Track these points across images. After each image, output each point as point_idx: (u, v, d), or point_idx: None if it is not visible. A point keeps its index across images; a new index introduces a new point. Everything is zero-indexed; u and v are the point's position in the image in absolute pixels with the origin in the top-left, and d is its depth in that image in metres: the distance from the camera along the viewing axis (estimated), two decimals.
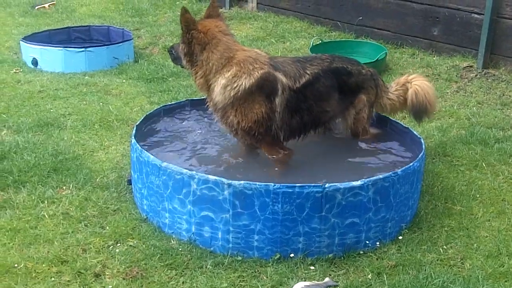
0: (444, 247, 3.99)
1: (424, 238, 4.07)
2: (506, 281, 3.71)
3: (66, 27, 8.29)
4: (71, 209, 4.30)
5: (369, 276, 3.64)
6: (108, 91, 6.58)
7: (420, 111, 4.82)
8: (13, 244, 3.90)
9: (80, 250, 3.87)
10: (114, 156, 5.12)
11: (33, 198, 4.41)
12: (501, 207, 4.50)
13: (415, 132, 4.64)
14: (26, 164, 4.81)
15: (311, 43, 7.51)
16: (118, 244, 3.93)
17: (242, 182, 3.69)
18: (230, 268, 3.73)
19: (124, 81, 6.91)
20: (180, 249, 3.87)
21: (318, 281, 3.58)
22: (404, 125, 4.79)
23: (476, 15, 7.14)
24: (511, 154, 5.22)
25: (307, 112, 4.41)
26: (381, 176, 3.83)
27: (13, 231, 4.03)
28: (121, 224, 4.12)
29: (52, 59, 7.15)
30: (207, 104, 4.44)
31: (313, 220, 3.74)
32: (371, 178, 3.80)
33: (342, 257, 3.84)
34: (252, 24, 8.93)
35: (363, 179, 3.77)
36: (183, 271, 3.69)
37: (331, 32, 8.42)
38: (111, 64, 7.30)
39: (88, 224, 4.15)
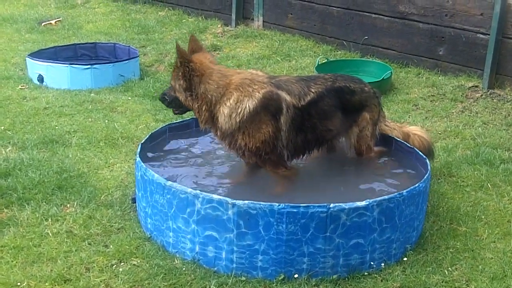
0: (449, 269, 3.96)
1: (429, 260, 4.04)
2: None
3: (72, 44, 8.33)
4: (75, 227, 4.29)
5: None
6: (114, 108, 6.60)
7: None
8: (16, 262, 3.90)
9: (83, 269, 3.85)
10: (119, 174, 5.12)
11: (37, 215, 4.41)
12: (507, 228, 4.47)
13: (420, 153, 4.63)
14: (31, 182, 4.81)
15: (317, 61, 7.52)
16: (122, 263, 3.92)
17: (246, 202, 3.68)
18: None
19: (129, 98, 6.93)
20: (184, 268, 3.85)
21: None
22: (409, 145, 4.77)
23: (481, 35, 7.15)
24: None
25: (311, 131, 4.41)
26: (386, 197, 3.82)
27: (16, 249, 4.03)
28: (125, 243, 4.11)
29: (58, 76, 7.17)
30: (213, 135, 4.44)
31: (317, 240, 3.72)
32: (376, 198, 3.79)
33: (346, 278, 3.82)
34: (258, 42, 8.96)
35: (368, 200, 3.76)
36: None
37: (337, 51, 8.44)
38: (117, 81, 7.32)
39: (92, 243, 4.14)
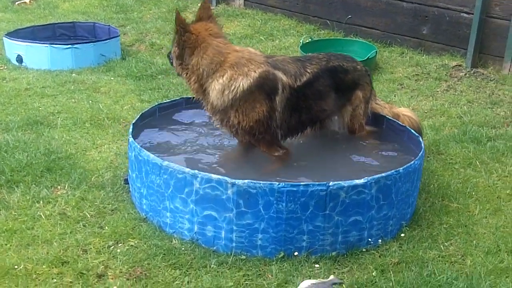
0: (445, 244, 4.00)
1: (425, 236, 4.07)
2: (507, 277, 3.73)
3: (50, 24, 8.17)
4: (67, 209, 4.22)
5: (373, 273, 3.64)
6: (97, 89, 6.49)
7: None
8: (11, 245, 3.82)
9: (80, 250, 3.80)
10: (108, 155, 5.05)
11: (28, 198, 4.33)
12: (497, 204, 4.52)
13: (412, 131, 4.64)
14: (19, 164, 4.71)
15: (301, 41, 7.49)
16: (119, 244, 3.87)
17: (246, 181, 3.66)
18: (234, 267, 3.70)
19: (112, 78, 6.83)
20: (182, 248, 3.82)
21: (323, 279, 3.56)
22: (401, 124, 4.79)
23: (465, 15, 7.19)
24: (504, 152, 5.24)
25: (306, 111, 4.39)
26: (383, 174, 3.82)
27: (9, 232, 3.95)
28: (120, 224, 4.06)
29: (38, 56, 7.03)
30: (203, 107, 4.38)
31: (317, 218, 3.72)
32: (374, 176, 3.79)
33: (345, 255, 3.83)
34: (239, 21, 8.89)
35: (366, 177, 3.76)
36: (187, 271, 3.64)
37: (320, 31, 8.42)
38: (98, 61, 7.21)
39: (86, 225, 4.08)
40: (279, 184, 3.65)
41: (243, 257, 3.76)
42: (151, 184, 4.00)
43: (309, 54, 4.79)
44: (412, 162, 4.03)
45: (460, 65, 7.16)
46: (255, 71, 4.12)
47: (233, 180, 3.66)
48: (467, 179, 4.84)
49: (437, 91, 6.65)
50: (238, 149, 4.61)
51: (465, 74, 6.96)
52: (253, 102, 4.14)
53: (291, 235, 3.74)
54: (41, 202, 4.29)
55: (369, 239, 3.90)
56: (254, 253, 3.79)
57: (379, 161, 4.57)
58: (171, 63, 4.45)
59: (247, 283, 3.56)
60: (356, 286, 3.52)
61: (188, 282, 3.55)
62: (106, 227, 4.04)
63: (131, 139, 4.22)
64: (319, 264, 3.72)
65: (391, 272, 3.65)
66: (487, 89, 6.63)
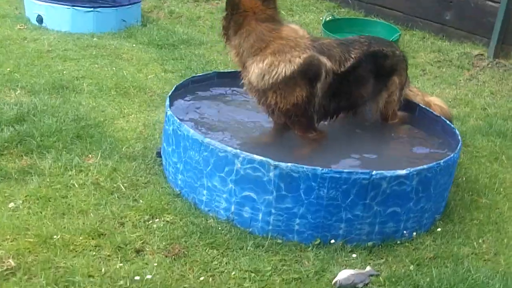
0: (478, 241, 3.99)
1: (457, 231, 4.07)
2: None
3: None
4: (100, 179, 4.19)
5: (410, 267, 3.64)
6: (119, 56, 6.42)
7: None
8: (46, 214, 3.79)
9: (116, 223, 3.78)
10: (136, 125, 5.00)
11: (60, 165, 4.29)
12: None
13: (447, 122, 4.63)
14: (48, 129, 4.65)
15: (323, 18, 7.42)
16: (156, 219, 3.85)
17: (289, 164, 3.64)
18: (270, 250, 3.69)
19: (134, 45, 6.74)
20: (219, 228, 3.81)
21: (360, 269, 3.57)
22: (435, 113, 4.76)
23: (491, 2, 7.16)
24: None
25: (346, 97, 4.36)
26: (425, 166, 3.81)
27: (43, 199, 3.91)
28: (155, 198, 4.03)
29: (59, 17, 6.93)
30: (241, 79, 4.32)
31: (356, 207, 3.71)
32: (416, 168, 3.78)
33: (380, 246, 3.83)
34: None
35: (409, 168, 3.75)
36: (225, 251, 3.63)
37: (340, 9, 8.37)
38: (119, 26, 7.10)
39: (121, 197, 4.05)
40: (322, 169, 3.63)
41: (279, 241, 3.76)
42: (189, 160, 3.97)
43: (350, 37, 4.72)
44: (452, 155, 4.02)
45: (482, 54, 7.14)
46: (299, 57, 4.05)
47: (276, 163, 3.64)
48: (494, 174, 4.84)
49: (460, 80, 6.63)
50: (273, 129, 4.56)
51: (487, 64, 6.94)
52: (293, 86, 4.09)
53: (329, 222, 3.74)
54: (74, 170, 4.25)
55: (404, 232, 3.90)
56: (290, 237, 3.78)
57: (410, 152, 4.55)
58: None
59: (284, 268, 3.56)
60: (393, 279, 3.52)
61: (226, 263, 3.54)
62: (141, 201, 4.01)
63: (169, 112, 4.18)
64: (355, 254, 3.72)
65: (428, 267, 3.66)
66: (509, 81, 6.63)
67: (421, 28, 7.71)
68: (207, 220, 3.89)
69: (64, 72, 5.82)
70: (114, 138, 4.73)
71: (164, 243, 3.64)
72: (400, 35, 7.11)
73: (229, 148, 3.76)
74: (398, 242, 3.88)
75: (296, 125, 4.32)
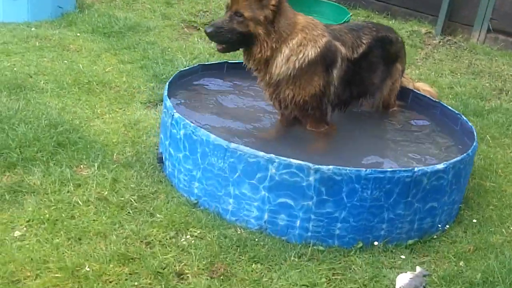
0: (506, 226, 3.96)
1: (481, 219, 4.01)
2: None
3: None
4: (104, 193, 3.73)
5: (460, 263, 3.53)
6: (66, 47, 5.83)
7: None
8: (60, 240, 3.31)
9: (142, 244, 3.37)
10: (116, 126, 4.54)
11: (53, 179, 3.78)
12: None
13: (450, 108, 4.56)
14: (25, 138, 4.10)
15: None
16: (183, 235, 3.47)
17: (331, 167, 3.39)
18: (315, 259, 3.45)
19: (78, 34, 6.16)
20: (254, 239, 3.50)
21: (412, 271, 3.40)
22: (433, 99, 4.67)
23: None
24: (508, 125, 5.30)
25: (359, 84, 4.17)
26: (458, 159, 3.70)
27: (49, 223, 3.42)
28: (172, 211, 3.65)
29: None
30: (258, 80, 4.00)
31: (398, 206, 3.54)
32: (451, 161, 3.66)
33: (419, 243, 3.69)
34: None
35: (445, 162, 3.62)
36: (270, 265, 3.34)
37: None
38: (55, 14, 6.47)
39: (134, 212, 3.62)
40: (366, 170, 3.41)
41: (321, 248, 3.52)
42: (210, 167, 3.61)
43: (357, 22, 4.52)
44: (475, 144, 3.94)
45: (430, 32, 7.17)
46: (321, 39, 3.82)
47: (317, 166, 3.38)
48: (486, 156, 4.84)
49: (417, 59, 6.63)
50: (277, 126, 4.29)
51: (439, 42, 7.00)
52: (312, 74, 3.85)
53: (371, 224, 3.54)
54: (70, 185, 3.76)
55: (439, 225, 3.79)
56: (330, 243, 3.55)
57: (416, 142, 4.43)
58: (219, 38, 3.83)
59: (338, 278, 3.33)
60: (448, 278, 3.39)
61: (277, 278, 3.25)
62: (158, 214, 3.61)
63: (177, 114, 3.78)
64: (403, 255, 3.55)
65: (474, 261, 3.56)
66: (464, 59, 6.71)
67: (364, 7, 7.64)
68: (237, 231, 3.57)
69: (14, 69, 5.18)
70: (99, 143, 4.25)
71: (203, 262, 3.28)
72: (350, 16, 6.96)
73: (260, 153, 3.45)
74: (435, 236, 3.77)
75: (309, 119, 4.08)
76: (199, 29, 6.88)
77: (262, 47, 3.77)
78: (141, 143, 4.33)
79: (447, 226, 3.85)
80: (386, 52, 4.31)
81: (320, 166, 3.38)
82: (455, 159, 3.68)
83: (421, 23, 7.32)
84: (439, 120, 4.57)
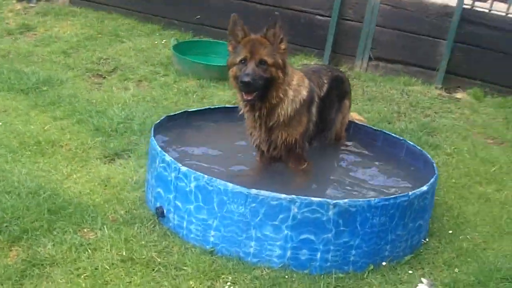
0: (472, 230, 4.53)
1: (454, 225, 4.54)
2: None
3: None
4: (125, 253, 3.76)
5: (455, 269, 4.04)
6: None
7: None
8: None
9: None
10: (90, 186, 4.52)
11: (66, 247, 3.74)
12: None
13: (393, 134, 5.13)
14: (14, 209, 3.99)
15: (171, 42, 7.35)
16: (219, 284, 3.62)
17: (346, 201, 3.76)
18: (339, 286, 3.77)
19: None
20: (284, 276, 3.74)
21: (419, 284, 3.85)
22: (376, 128, 5.22)
23: (319, 17, 7.84)
24: (423, 143, 5.96)
25: (324, 121, 4.57)
26: (433, 180, 4.24)
27: None
28: (194, 262, 3.77)
29: None
30: (251, 125, 4.28)
31: (398, 227, 3.99)
32: (431, 181, 4.18)
33: (413, 258, 4.14)
34: (72, 20, 8.27)
35: (428, 184, 4.14)
36: None
37: (165, 30, 8.29)
38: None
39: (159, 269, 3.69)
40: (374, 199, 3.82)
41: (341, 275, 3.84)
42: (229, 214, 3.80)
43: (313, 65, 4.92)
44: (434, 163, 4.53)
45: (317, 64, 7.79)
46: (305, 80, 4.27)
47: (335, 201, 3.73)
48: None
49: None
50: (257, 166, 4.55)
51: None
52: (302, 114, 4.24)
53: (379, 247, 3.95)
54: (87, 250, 3.74)
55: (423, 240, 4.29)
56: (346, 269, 3.90)
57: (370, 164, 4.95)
58: (252, 88, 3.99)
59: None
60: (452, 284, 3.88)
61: None
62: (184, 268, 3.72)
63: (184, 168, 3.92)
64: (406, 270, 3.99)
65: (464, 266, 4.09)
66: (357, 86, 7.36)
67: None
68: (262, 272, 3.78)
69: None
70: (86, 205, 4.23)
71: None
72: None
73: (282, 196, 3.72)
74: (421, 250, 4.25)
75: (293, 157, 4.39)
76: (105, 77, 6.86)
77: (279, 90, 4.06)
78: (125, 200, 4.36)
79: (427, 239, 4.36)
80: (339, 90, 4.79)
81: (337, 201, 3.73)
82: (432, 180, 4.22)
83: (308, 56, 7.92)
84: (382, 146, 5.12)
